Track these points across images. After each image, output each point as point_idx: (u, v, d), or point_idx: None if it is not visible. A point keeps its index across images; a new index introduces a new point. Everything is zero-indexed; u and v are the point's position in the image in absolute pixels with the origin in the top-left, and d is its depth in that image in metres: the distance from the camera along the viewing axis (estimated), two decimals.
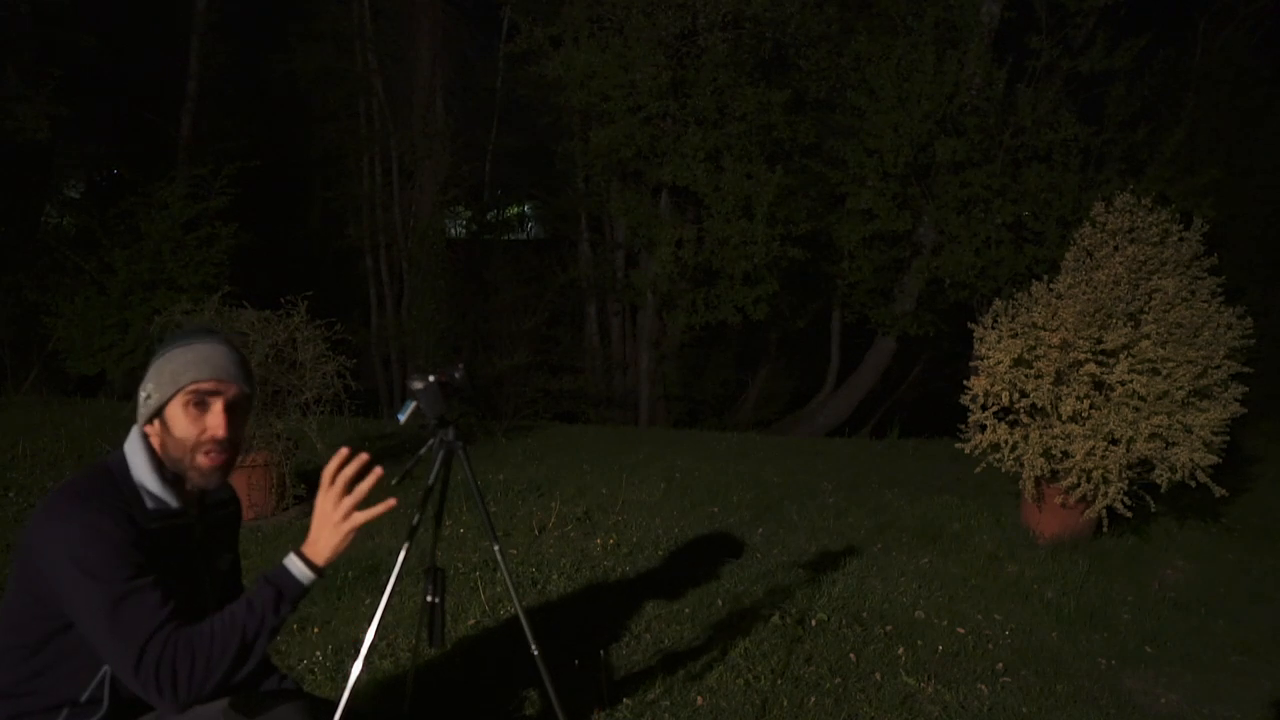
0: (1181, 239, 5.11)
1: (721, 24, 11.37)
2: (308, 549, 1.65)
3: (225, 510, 1.89)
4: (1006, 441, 4.93)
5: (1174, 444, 4.68)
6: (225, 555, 1.91)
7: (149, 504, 1.66)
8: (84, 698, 1.64)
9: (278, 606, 1.60)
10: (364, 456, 1.67)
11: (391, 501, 1.68)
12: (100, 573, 1.52)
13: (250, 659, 1.56)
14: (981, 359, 5.01)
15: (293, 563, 1.64)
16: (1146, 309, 4.88)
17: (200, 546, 1.78)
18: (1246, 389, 4.84)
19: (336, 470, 1.66)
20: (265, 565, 4.20)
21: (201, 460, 1.68)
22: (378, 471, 1.67)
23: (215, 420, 1.68)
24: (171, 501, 1.68)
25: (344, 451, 1.68)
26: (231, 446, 1.72)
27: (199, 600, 1.75)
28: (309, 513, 1.72)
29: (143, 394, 1.70)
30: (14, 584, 1.63)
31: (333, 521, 1.64)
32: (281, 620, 1.61)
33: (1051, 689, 3.42)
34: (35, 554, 1.57)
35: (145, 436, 1.70)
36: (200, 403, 1.68)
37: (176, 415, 1.67)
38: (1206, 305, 4.86)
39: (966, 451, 5.08)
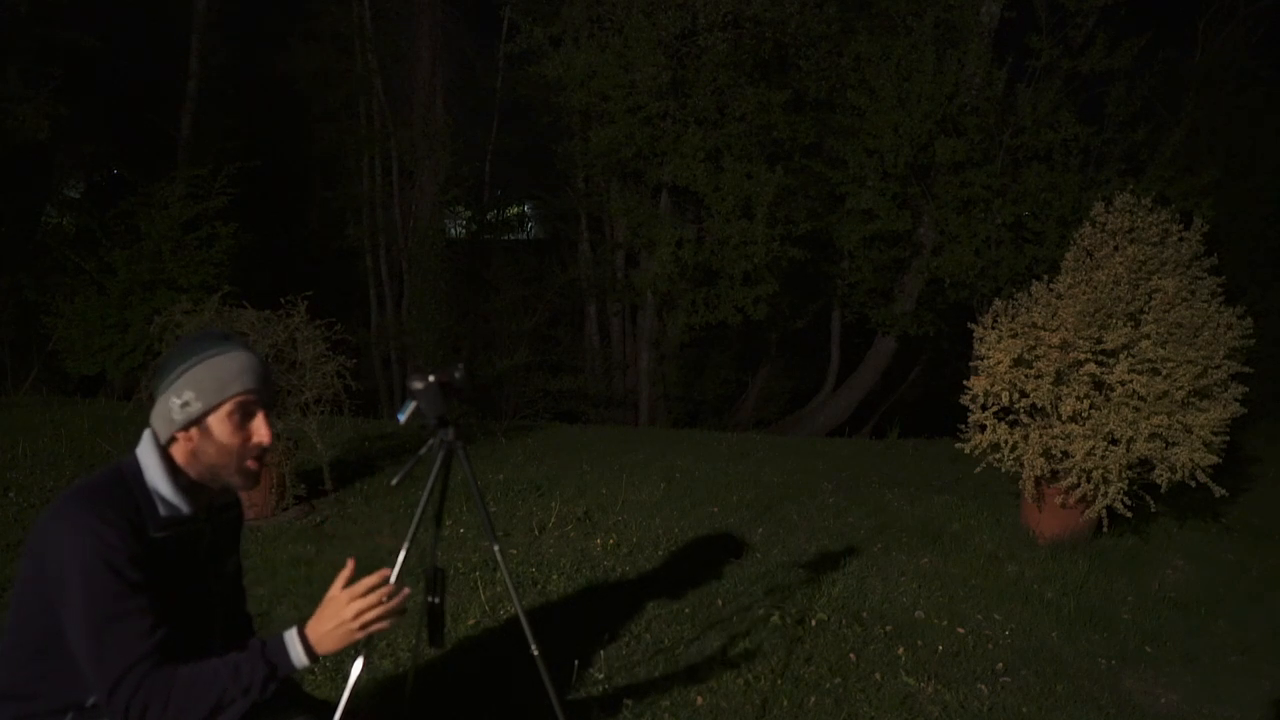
0: (1181, 239, 5.11)
1: (721, 24, 11.37)
2: (312, 633, 1.65)
3: (230, 513, 1.90)
4: (1006, 441, 4.93)
5: (1174, 444, 4.68)
6: (230, 558, 1.91)
7: (162, 510, 1.65)
8: (90, 701, 1.63)
9: (265, 683, 1.59)
10: (404, 592, 1.71)
11: (389, 620, 1.69)
12: (96, 588, 1.52)
13: (219, 718, 1.56)
14: (981, 359, 5.01)
15: (293, 645, 1.63)
16: (1146, 309, 4.88)
17: (209, 550, 1.78)
18: (1246, 389, 4.84)
19: (371, 584, 1.66)
20: (264, 565, 4.20)
21: (250, 465, 1.71)
22: (405, 593, 1.70)
23: (261, 428, 1.71)
24: (184, 507, 1.68)
25: (386, 573, 1.70)
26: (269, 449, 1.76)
27: (206, 604, 1.76)
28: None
29: (177, 401, 1.66)
30: (22, 585, 1.63)
31: (344, 621, 1.64)
32: (263, 696, 1.60)
33: (1051, 689, 3.42)
34: (44, 554, 1.56)
35: (157, 440, 1.69)
36: (246, 412, 1.70)
37: (221, 424, 1.68)
38: (1206, 305, 4.85)
39: (966, 451, 5.08)
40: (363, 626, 1.64)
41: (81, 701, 1.63)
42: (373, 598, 1.65)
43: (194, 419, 1.67)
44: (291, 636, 1.64)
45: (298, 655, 1.63)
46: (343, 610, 1.64)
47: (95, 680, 1.53)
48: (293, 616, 3.56)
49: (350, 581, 1.67)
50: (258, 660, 1.60)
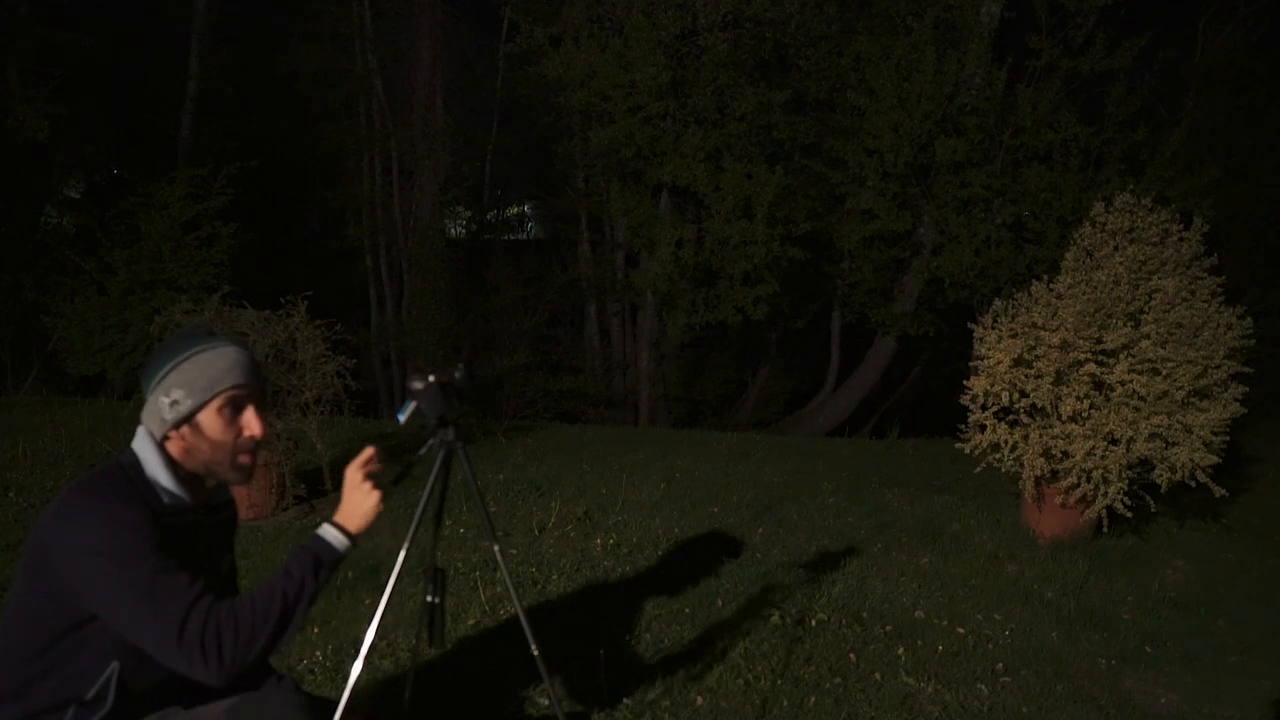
0: (1181, 239, 5.11)
1: (721, 24, 11.37)
2: (340, 516, 1.73)
3: (226, 511, 1.91)
4: (1006, 441, 4.93)
5: (1174, 444, 4.68)
6: (225, 557, 1.92)
7: (165, 499, 1.67)
8: (89, 695, 1.64)
9: (316, 572, 1.65)
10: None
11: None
12: (128, 559, 1.53)
13: (291, 625, 1.60)
14: (981, 359, 5.01)
15: (327, 530, 1.70)
16: (1146, 309, 4.87)
17: (206, 546, 1.79)
18: (1246, 389, 4.84)
19: (370, 454, 1.78)
20: (265, 565, 4.20)
21: (243, 459, 1.74)
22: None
23: (252, 421, 1.74)
24: (185, 498, 1.70)
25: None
26: (262, 443, 1.78)
27: None
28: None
29: (166, 400, 1.69)
30: (22, 584, 1.63)
31: (357, 485, 1.74)
32: (320, 587, 1.65)
33: (1051, 689, 3.42)
34: (50, 551, 1.56)
35: (152, 436, 1.71)
36: (236, 406, 1.72)
37: (211, 420, 1.70)
38: (1206, 305, 4.85)
39: (966, 451, 5.08)
40: (375, 487, 1.74)
41: (81, 696, 1.63)
42: (376, 464, 1.77)
43: (184, 416, 1.69)
44: (324, 526, 1.72)
45: (334, 536, 1.70)
46: (355, 478, 1.75)
47: (158, 636, 1.53)
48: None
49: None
50: (301, 555, 1.66)
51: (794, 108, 12.13)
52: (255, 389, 1.74)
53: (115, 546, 1.53)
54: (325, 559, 1.67)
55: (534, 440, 8.11)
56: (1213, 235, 5.33)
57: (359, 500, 1.73)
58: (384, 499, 1.75)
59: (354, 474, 1.75)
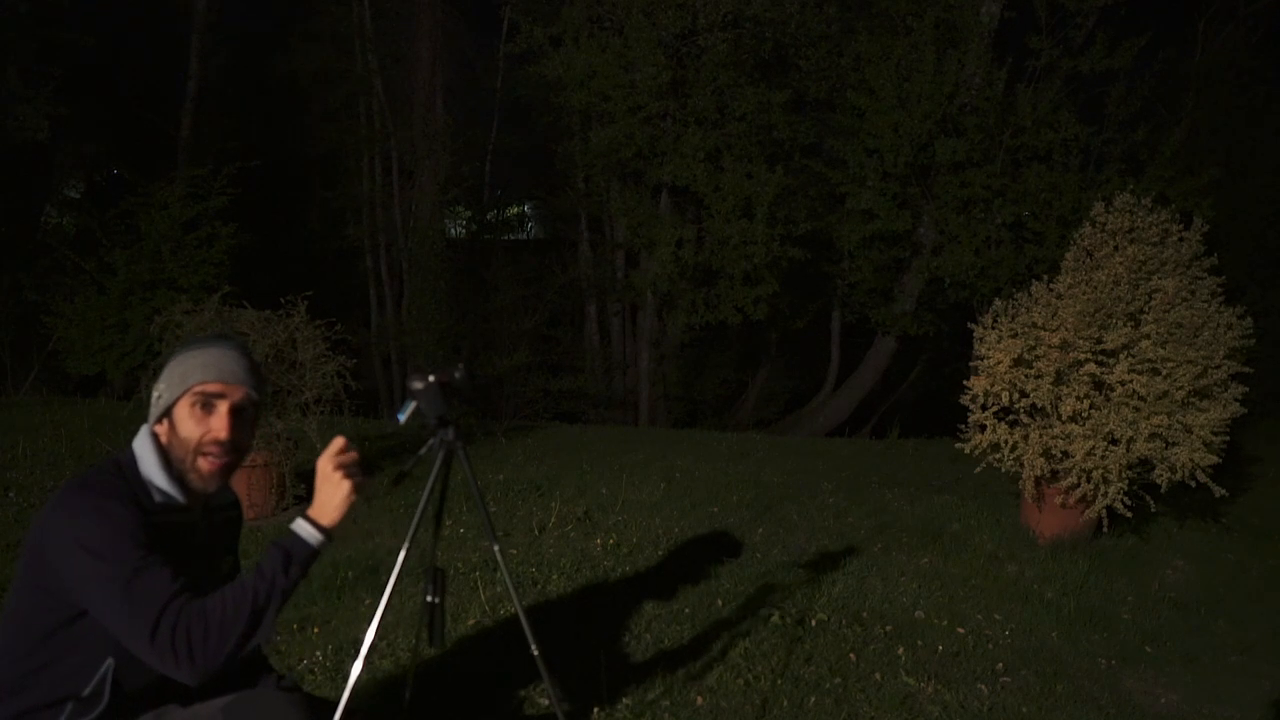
0: (1181, 239, 5.11)
1: (721, 24, 11.38)
2: (313, 511, 1.69)
3: (228, 513, 1.92)
4: (1006, 441, 4.93)
5: (1174, 444, 4.68)
6: (226, 558, 1.92)
7: (156, 498, 1.69)
8: (86, 692, 1.65)
9: (287, 568, 1.61)
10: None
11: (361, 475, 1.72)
12: (110, 553, 1.54)
13: (263, 624, 1.58)
14: (981, 359, 5.01)
15: (299, 525, 1.67)
16: (1146, 309, 4.87)
17: (202, 546, 1.80)
18: (1246, 389, 4.84)
19: (340, 445, 1.71)
20: None
21: (201, 462, 1.72)
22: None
23: (219, 422, 1.72)
24: (178, 497, 1.71)
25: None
26: (234, 449, 1.74)
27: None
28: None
29: (154, 393, 1.75)
30: (21, 579, 1.65)
31: (328, 477, 1.68)
32: (292, 583, 1.62)
33: (1051, 689, 3.42)
34: (44, 545, 1.59)
35: (155, 435, 1.74)
36: (206, 404, 1.72)
37: (183, 415, 1.71)
38: (1206, 305, 4.85)
39: (966, 451, 5.08)
40: (346, 476, 1.67)
41: (78, 692, 1.64)
42: (347, 455, 1.69)
43: (164, 410, 1.73)
44: (297, 520, 1.68)
45: (307, 531, 1.66)
46: (325, 469, 1.68)
47: (133, 632, 1.53)
48: (293, 615, 3.56)
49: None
50: (273, 551, 1.63)
51: (794, 108, 12.13)
52: (232, 391, 1.73)
53: (100, 542, 1.55)
54: (296, 555, 1.64)
55: (534, 440, 8.11)
56: (1213, 235, 5.33)
57: (330, 492, 1.68)
58: (357, 489, 1.69)
59: (324, 465, 1.68)
